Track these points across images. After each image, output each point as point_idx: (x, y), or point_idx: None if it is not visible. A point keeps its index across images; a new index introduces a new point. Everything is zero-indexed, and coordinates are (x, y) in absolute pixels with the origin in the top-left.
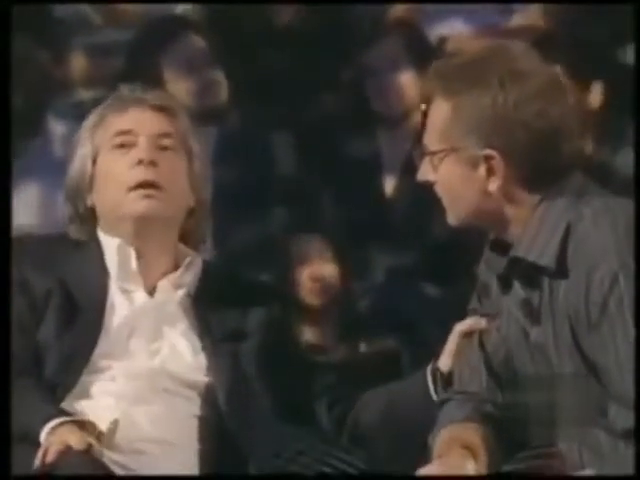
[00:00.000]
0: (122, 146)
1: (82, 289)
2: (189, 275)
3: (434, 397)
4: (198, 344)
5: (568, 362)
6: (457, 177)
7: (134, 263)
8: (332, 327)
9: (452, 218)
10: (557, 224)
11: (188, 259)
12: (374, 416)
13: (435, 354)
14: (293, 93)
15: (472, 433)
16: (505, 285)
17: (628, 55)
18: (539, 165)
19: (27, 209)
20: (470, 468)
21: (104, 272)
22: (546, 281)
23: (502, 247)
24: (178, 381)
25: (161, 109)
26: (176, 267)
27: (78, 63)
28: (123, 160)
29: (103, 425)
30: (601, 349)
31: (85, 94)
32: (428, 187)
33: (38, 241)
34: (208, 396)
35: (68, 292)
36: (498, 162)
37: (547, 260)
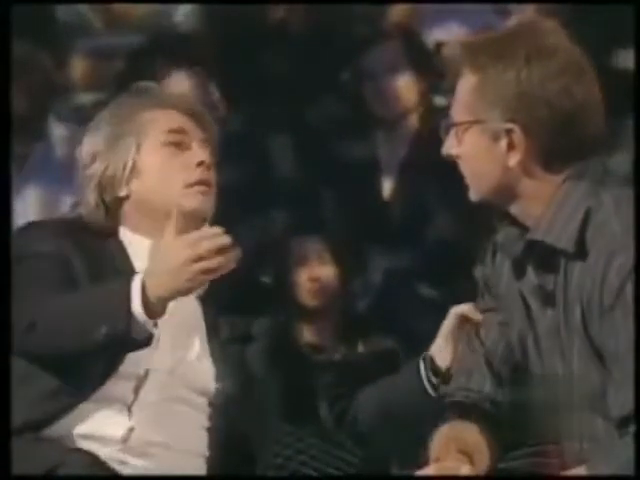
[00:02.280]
0: (175, 144)
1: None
2: None
3: (426, 384)
4: (207, 349)
5: (577, 345)
6: (479, 150)
7: None
8: (330, 327)
9: (474, 193)
10: (577, 208)
11: None
12: (371, 412)
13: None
14: (292, 96)
15: (470, 433)
16: (519, 271)
17: (623, 58)
18: (560, 144)
19: (29, 212)
20: (465, 474)
21: (131, 273)
22: (562, 264)
23: (519, 230)
24: (191, 389)
25: (199, 118)
26: None
27: (79, 66)
28: (179, 159)
29: (119, 431)
30: (612, 334)
31: (86, 97)
32: (445, 164)
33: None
34: (217, 402)
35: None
36: (519, 136)
37: (565, 243)
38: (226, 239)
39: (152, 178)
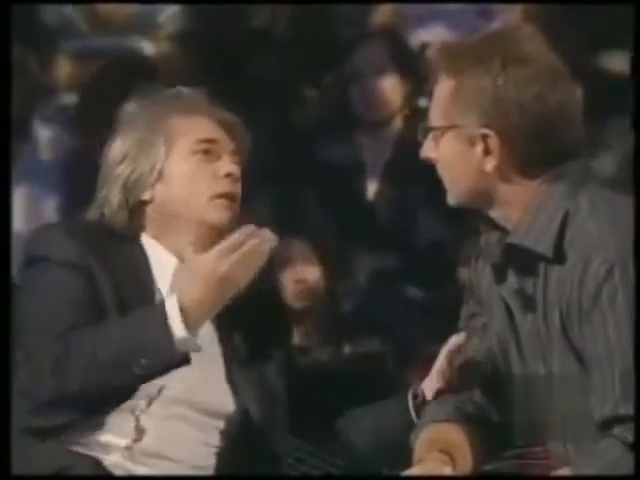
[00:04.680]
0: (206, 153)
1: (137, 295)
2: None
3: (413, 416)
4: (223, 370)
5: (557, 348)
6: (455, 154)
7: None
8: (316, 329)
9: (451, 198)
10: (555, 211)
11: None
12: (362, 438)
13: (419, 358)
14: (277, 97)
15: (453, 435)
16: (500, 275)
17: (607, 59)
18: (537, 150)
19: (15, 213)
20: (448, 474)
21: (153, 282)
22: (542, 268)
23: (500, 233)
24: (202, 410)
25: (230, 127)
26: None
27: (64, 68)
28: (208, 168)
29: (124, 441)
30: (591, 338)
31: (71, 99)
32: (430, 165)
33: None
34: (229, 422)
35: (122, 294)
36: (494, 142)
37: (544, 247)
38: (249, 238)
39: (177, 187)
